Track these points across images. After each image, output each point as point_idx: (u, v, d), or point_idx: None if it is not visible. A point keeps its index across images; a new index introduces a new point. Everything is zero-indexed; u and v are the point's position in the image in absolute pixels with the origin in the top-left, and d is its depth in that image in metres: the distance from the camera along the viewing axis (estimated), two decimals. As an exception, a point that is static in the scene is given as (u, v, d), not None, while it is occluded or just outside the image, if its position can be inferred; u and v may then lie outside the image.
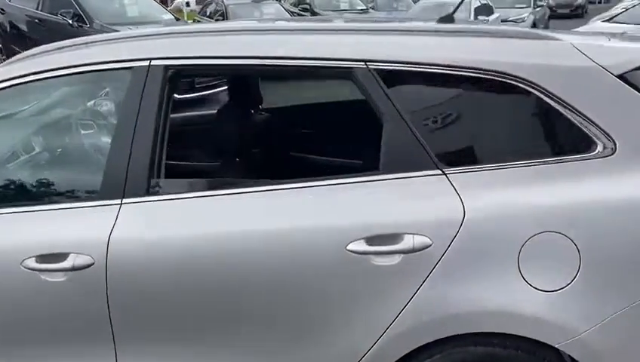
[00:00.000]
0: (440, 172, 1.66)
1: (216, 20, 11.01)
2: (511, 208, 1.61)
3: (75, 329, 1.78)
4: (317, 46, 1.80)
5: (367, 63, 1.73)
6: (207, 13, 12.48)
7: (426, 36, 1.83)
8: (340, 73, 1.79)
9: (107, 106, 2.09)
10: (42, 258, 1.74)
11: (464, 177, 1.65)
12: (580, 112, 1.63)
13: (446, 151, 1.70)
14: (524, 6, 14.37)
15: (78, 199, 1.89)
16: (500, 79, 1.68)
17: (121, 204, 1.77)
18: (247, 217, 1.71)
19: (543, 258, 1.59)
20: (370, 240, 1.63)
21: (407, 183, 1.67)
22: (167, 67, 1.80)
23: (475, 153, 1.71)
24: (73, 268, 1.73)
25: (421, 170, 1.67)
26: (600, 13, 13.05)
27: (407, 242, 1.61)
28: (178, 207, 1.74)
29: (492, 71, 1.68)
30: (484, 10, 11.46)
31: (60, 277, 1.73)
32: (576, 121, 1.63)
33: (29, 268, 1.74)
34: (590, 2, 23.44)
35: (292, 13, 12.29)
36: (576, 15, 20.31)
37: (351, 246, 1.63)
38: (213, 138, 2.45)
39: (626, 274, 1.56)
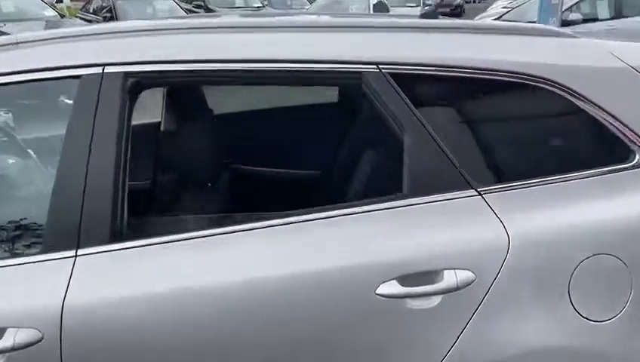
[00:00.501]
0: (475, 192, 1.42)
1: (105, 18, 10.10)
2: (556, 230, 1.41)
3: None
4: (322, 46, 1.49)
5: (380, 66, 1.45)
6: (91, 10, 11.45)
7: (444, 34, 1.58)
8: (348, 78, 1.49)
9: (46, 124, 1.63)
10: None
11: (501, 197, 1.43)
12: (617, 118, 1.47)
13: (479, 167, 1.46)
14: (414, 5, 14.78)
15: (14, 254, 1.42)
16: (531, 83, 1.47)
17: (75, 256, 1.33)
18: (249, 264, 1.35)
19: (594, 284, 1.41)
20: (404, 280, 1.35)
21: (439, 208, 1.41)
22: (127, 74, 1.40)
23: (510, 168, 1.49)
24: (13, 348, 1.28)
25: (453, 191, 1.42)
26: (477, 13, 13.81)
27: (449, 279, 1.36)
28: (157, 255, 1.34)
29: (524, 74, 1.47)
30: (381, 7, 11.59)
31: (-6, 361, 1.27)
32: (614, 129, 1.47)
33: None
34: (466, 2, 24.71)
35: (186, 10, 11.61)
36: (456, 14, 21.26)
37: (381, 290, 1.34)
38: (197, 159, 1.98)
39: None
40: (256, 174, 2.36)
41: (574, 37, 1.60)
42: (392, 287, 1.35)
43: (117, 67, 1.39)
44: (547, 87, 1.47)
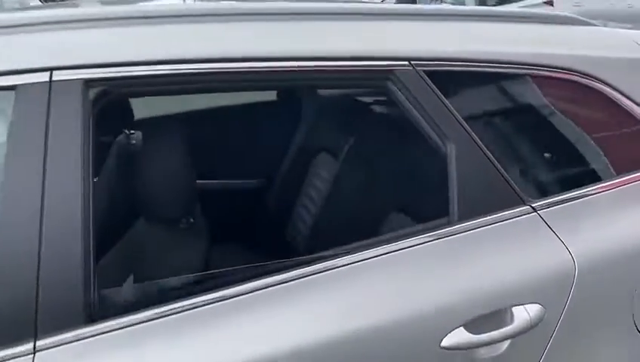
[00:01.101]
0: (529, 208, 1.21)
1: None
2: (616, 246, 1.25)
3: None
4: (334, 38, 1.18)
5: (413, 62, 1.18)
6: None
7: (477, 22, 1.32)
8: (368, 79, 1.20)
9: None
10: None
11: (557, 212, 1.23)
12: (656, 113, 1.33)
13: (527, 178, 1.25)
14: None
15: None
16: (571, 78, 1.29)
17: (34, 351, 0.91)
18: (288, 333, 1.02)
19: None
20: (470, 326, 1.10)
21: (495, 232, 1.18)
22: (89, 82, 0.98)
23: (557, 176, 1.30)
24: None
25: (505, 209, 1.20)
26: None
27: (520, 318, 1.13)
28: (160, 335, 0.96)
29: (561, 68, 1.28)
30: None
31: None
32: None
33: None
34: None
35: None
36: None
37: (446, 341, 1.09)
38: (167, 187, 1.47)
39: None
40: (254, 202, 1.98)
41: (596, 25, 1.44)
42: (458, 336, 1.09)
43: (72, 72, 0.97)
44: (585, 80, 1.30)
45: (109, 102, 1.00)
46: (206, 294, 1.00)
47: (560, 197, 1.24)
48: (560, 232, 1.20)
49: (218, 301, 0.99)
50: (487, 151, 1.19)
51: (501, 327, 1.12)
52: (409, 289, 1.10)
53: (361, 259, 1.10)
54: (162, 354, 0.95)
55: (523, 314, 1.14)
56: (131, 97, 1.23)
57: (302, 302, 1.04)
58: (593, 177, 1.29)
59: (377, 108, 1.80)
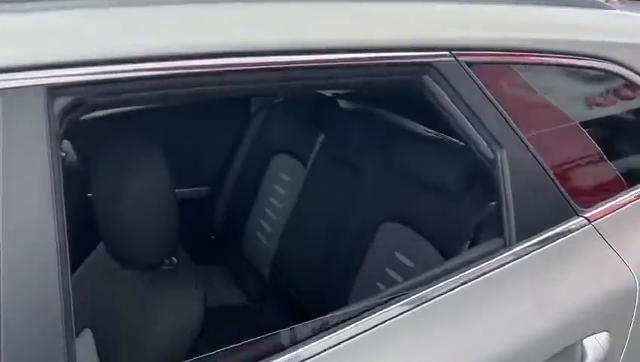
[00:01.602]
0: (583, 219, 1.05)
1: None
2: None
3: None
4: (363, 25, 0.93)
5: (454, 52, 0.96)
6: None
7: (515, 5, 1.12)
8: (400, 73, 0.97)
9: None
10: None
11: (610, 222, 1.08)
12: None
13: (577, 185, 1.09)
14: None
15: None
16: (612, 69, 1.14)
17: None
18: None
19: None
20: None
21: (554, 253, 1.01)
22: (52, 89, 0.67)
23: (609, 180, 1.15)
24: None
25: (559, 223, 1.03)
26: None
27: (592, 349, 0.97)
28: None
29: (602, 58, 1.12)
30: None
31: None
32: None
33: None
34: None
35: None
36: None
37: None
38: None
39: None
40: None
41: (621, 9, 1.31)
42: None
43: (34, 74, 0.66)
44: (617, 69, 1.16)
45: (82, 112, 0.70)
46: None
47: (607, 204, 1.10)
48: (617, 247, 1.06)
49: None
50: (540, 158, 1.01)
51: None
52: (480, 340, 0.90)
53: (412, 303, 0.89)
54: None
55: (594, 344, 0.97)
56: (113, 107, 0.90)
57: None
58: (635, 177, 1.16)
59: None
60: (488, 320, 0.92)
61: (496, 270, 0.95)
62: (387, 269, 1.46)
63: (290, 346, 0.78)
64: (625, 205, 1.10)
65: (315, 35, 0.89)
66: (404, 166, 1.48)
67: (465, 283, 0.92)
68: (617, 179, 1.13)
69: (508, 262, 0.96)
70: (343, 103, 1.91)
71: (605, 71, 1.13)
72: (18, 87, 0.65)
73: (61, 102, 0.68)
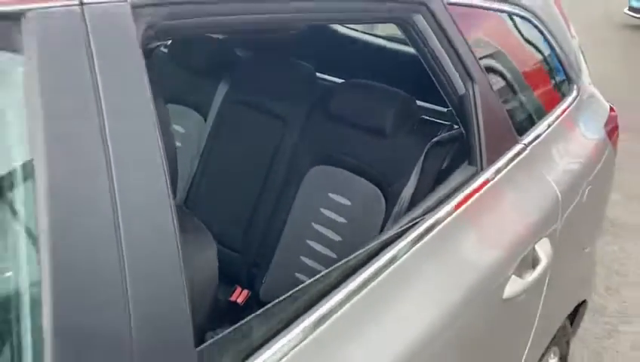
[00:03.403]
0: (523, 145, 1.23)
1: None
2: (573, 166, 1.38)
3: None
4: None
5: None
6: None
7: None
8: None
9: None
10: None
11: (539, 146, 1.28)
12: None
13: (515, 115, 1.26)
14: None
15: None
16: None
17: None
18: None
19: None
20: (517, 272, 1.09)
21: (510, 176, 1.17)
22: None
23: (528, 112, 1.34)
24: None
25: (509, 150, 1.19)
26: None
27: (543, 251, 1.17)
28: None
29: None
30: None
31: None
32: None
33: None
34: None
35: None
36: None
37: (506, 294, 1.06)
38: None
39: None
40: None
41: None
42: (513, 285, 1.07)
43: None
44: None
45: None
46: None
47: (534, 133, 1.30)
48: (543, 166, 1.26)
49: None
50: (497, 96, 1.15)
51: (535, 266, 1.14)
52: (477, 249, 1.02)
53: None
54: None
55: (543, 248, 1.17)
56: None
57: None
58: (541, 112, 1.38)
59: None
60: (487, 229, 1.05)
61: (476, 195, 1.07)
62: (322, 210, 1.51)
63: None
64: (548, 128, 1.31)
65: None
66: (333, 111, 1.52)
67: (456, 207, 1.03)
68: (540, 108, 1.33)
69: (484, 184, 1.09)
70: (239, 52, 1.86)
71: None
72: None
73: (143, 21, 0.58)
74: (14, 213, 0.53)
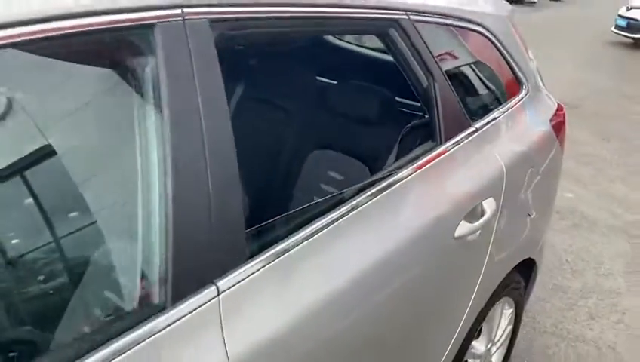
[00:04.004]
0: (474, 128, 1.61)
1: None
2: (519, 147, 1.76)
3: None
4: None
5: (407, 13, 1.43)
6: None
7: None
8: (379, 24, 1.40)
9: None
10: None
11: (487, 130, 1.67)
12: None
13: (468, 105, 1.64)
14: None
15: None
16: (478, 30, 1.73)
17: (218, 293, 0.91)
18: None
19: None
20: (467, 218, 1.47)
21: (465, 149, 1.55)
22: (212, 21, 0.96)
23: (478, 105, 1.74)
24: None
25: (463, 130, 1.57)
26: None
27: (489, 206, 1.55)
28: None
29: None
30: None
31: None
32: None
33: None
34: None
35: None
36: None
37: (457, 233, 1.43)
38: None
39: None
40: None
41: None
42: (462, 227, 1.45)
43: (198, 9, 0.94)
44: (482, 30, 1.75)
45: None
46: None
47: (484, 120, 1.68)
48: (492, 144, 1.65)
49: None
50: (451, 85, 1.54)
51: (481, 216, 1.51)
52: (434, 198, 1.40)
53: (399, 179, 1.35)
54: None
55: (488, 204, 1.55)
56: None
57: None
58: (494, 105, 1.77)
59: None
60: (442, 186, 1.42)
61: (434, 160, 1.45)
62: (322, 185, 1.89)
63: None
64: (498, 117, 1.70)
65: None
66: (329, 106, 1.91)
67: (415, 170, 1.40)
68: (492, 102, 1.72)
69: (441, 154, 1.47)
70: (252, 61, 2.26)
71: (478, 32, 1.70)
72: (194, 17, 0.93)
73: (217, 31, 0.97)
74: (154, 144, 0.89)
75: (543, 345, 2.53)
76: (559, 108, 2.13)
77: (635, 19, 11.26)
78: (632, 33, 11.40)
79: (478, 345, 1.90)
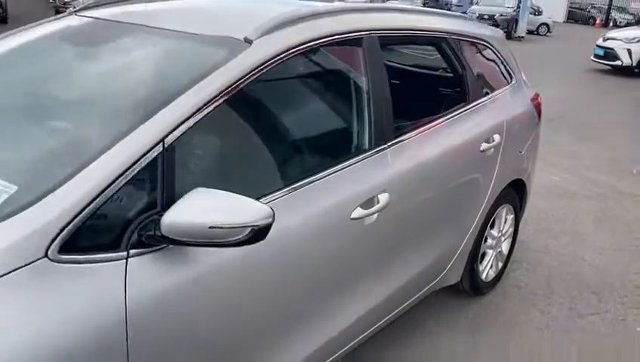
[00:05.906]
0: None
1: None
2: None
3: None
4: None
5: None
6: None
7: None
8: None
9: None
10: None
11: (495, 101, 2.94)
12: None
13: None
14: None
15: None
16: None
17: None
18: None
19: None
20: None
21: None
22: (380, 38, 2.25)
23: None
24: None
25: (481, 98, 2.85)
26: None
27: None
28: None
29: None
30: None
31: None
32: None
33: None
34: None
35: None
36: None
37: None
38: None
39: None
40: None
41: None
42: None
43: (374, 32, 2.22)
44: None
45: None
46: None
47: (492, 96, 2.96)
48: (498, 109, 2.92)
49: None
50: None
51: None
52: (475, 125, 2.67)
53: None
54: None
55: (497, 138, 2.81)
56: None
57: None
58: (500, 85, 3.06)
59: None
60: (475, 121, 2.70)
61: (468, 110, 2.72)
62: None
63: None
64: (499, 95, 2.99)
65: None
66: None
67: (455, 115, 2.68)
68: (494, 85, 3.01)
69: (471, 108, 2.74)
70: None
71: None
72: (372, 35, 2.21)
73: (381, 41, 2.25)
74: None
75: (535, 260, 3.76)
76: (536, 94, 3.42)
77: (611, 49, 12.81)
78: (608, 60, 12.98)
79: (493, 232, 3.12)
